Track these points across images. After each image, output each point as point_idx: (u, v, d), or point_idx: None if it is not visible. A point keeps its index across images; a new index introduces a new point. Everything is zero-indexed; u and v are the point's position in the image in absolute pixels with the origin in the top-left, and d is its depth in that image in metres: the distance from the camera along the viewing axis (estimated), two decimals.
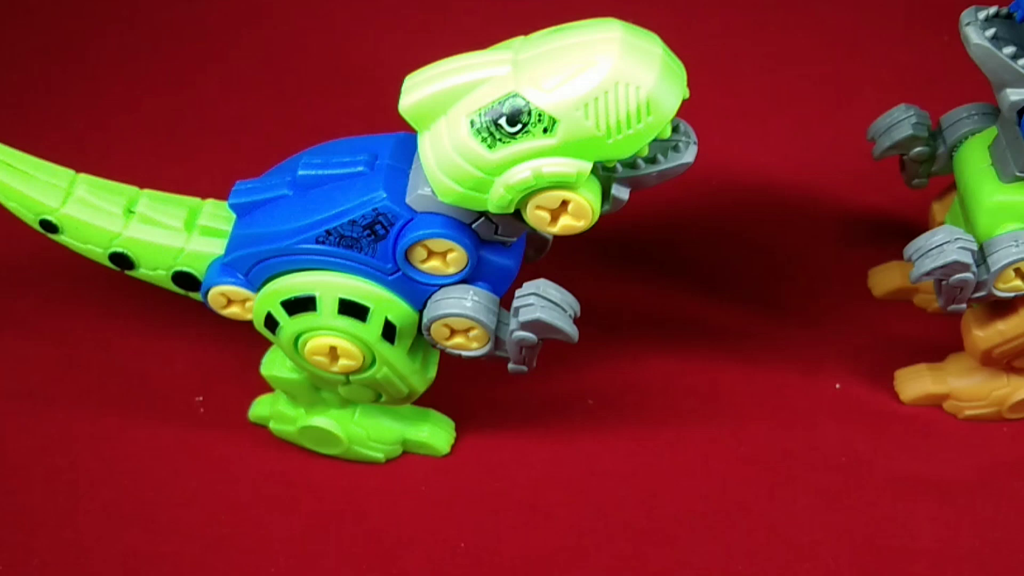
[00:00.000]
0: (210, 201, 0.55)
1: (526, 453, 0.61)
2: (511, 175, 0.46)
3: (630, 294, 0.68)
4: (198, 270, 0.54)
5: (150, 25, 0.81)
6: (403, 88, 0.47)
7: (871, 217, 0.71)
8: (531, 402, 0.63)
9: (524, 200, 0.47)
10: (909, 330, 0.66)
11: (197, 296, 0.55)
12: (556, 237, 0.62)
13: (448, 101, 0.46)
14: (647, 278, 0.68)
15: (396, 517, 0.59)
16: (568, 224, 0.48)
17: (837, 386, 0.64)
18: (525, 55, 0.46)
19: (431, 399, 0.60)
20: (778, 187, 0.72)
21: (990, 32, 0.48)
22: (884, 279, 0.67)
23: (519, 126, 0.45)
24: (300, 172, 0.51)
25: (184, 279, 0.55)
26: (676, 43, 0.79)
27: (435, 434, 0.60)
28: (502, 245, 0.51)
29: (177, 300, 0.57)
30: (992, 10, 0.49)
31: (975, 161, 0.55)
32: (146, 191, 0.55)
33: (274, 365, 0.57)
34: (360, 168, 0.50)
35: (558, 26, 0.47)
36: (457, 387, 0.62)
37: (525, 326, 0.51)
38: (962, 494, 0.60)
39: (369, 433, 0.59)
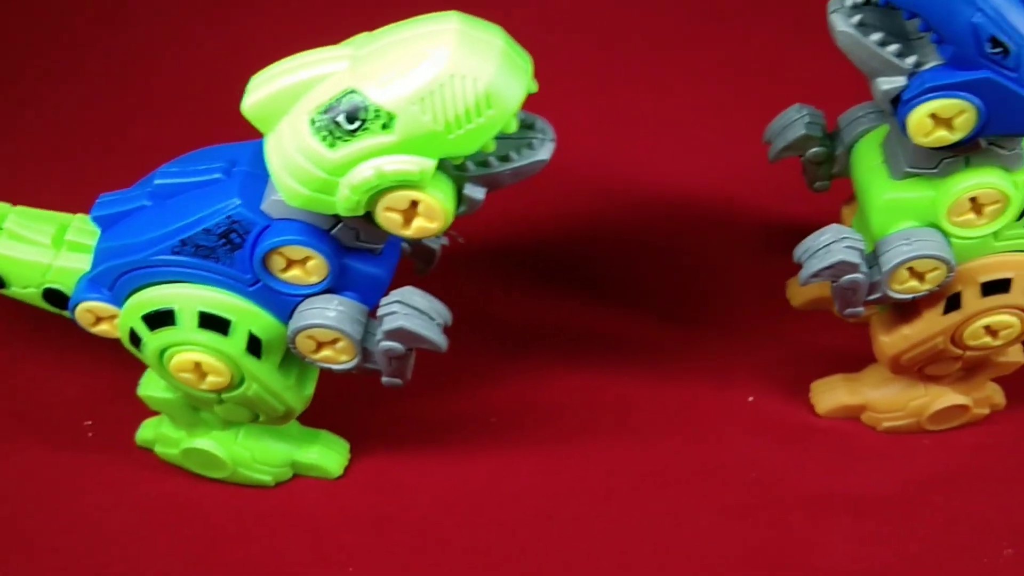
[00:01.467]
0: (79, 216, 0.54)
1: (423, 475, 0.59)
2: (354, 175, 0.44)
3: (541, 308, 0.66)
4: (67, 287, 0.53)
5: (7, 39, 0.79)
6: (247, 88, 0.46)
7: (791, 227, 0.68)
8: (431, 421, 0.61)
9: (373, 201, 0.45)
10: (828, 341, 0.64)
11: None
12: (450, 249, 0.61)
13: (289, 100, 0.45)
14: (560, 291, 0.66)
15: (284, 542, 0.56)
16: (421, 226, 0.46)
17: (750, 399, 0.61)
18: (364, 50, 0.44)
19: (324, 419, 0.59)
20: (698, 198, 0.70)
21: (856, 19, 0.46)
22: (802, 289, 0.65)
23: (358, 123, 0.44)
24: (157, 181, 0.50)
25: (55, 296, 0.53)
26: (601, 54, 0.79)
27: (326, 455, 0.58)
28: (370, 253, 0.50)
29: (68, 323, 0.55)
30: None
31: (868, 159, 0.53)
32: (17, 208, 0.54)
33: (150, 385, 0.55)
34: (217, 175, 0.49)
35: (401, 21, 0.45)
36: (353, 406, 0.60)
37: (389, 335, 0.49)
38: (879, 509, 0.57)
39: (255, 455, 0.57)
